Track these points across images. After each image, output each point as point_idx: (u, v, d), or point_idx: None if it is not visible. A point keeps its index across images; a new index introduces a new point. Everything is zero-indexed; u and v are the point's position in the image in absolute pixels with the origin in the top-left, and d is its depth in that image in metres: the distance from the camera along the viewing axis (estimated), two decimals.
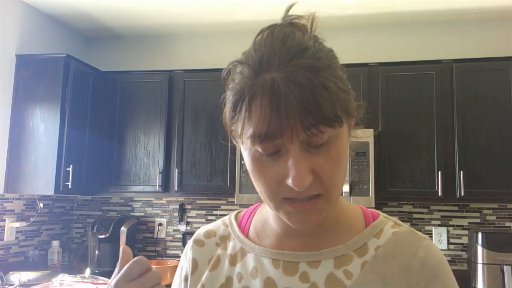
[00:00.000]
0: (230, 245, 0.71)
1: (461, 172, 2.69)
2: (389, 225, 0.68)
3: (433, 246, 0.66)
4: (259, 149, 0.56)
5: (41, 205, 3.11)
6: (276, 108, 0.52)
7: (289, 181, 0.55)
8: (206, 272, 0.70)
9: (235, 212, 0.78)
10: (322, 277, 0.63)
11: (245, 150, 0.59)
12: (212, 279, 0.69)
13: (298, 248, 0.66)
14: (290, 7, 0.64)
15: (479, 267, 2.60)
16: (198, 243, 0.74)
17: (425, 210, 3.05)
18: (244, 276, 0.67)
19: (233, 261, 0.69)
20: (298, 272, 0.64)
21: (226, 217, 0.77)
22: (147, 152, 3.13)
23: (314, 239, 0.66)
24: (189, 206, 3.39)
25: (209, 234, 0.75)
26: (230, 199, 3.27)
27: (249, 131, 0.55)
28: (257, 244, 0.69)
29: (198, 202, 3.38)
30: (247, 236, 0.71)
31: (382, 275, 0.62)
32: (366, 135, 2.72)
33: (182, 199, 3.38)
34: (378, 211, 0.72)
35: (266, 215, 0.71)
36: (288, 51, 0.55)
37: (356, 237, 0.66)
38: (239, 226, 0.73)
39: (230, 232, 0.73)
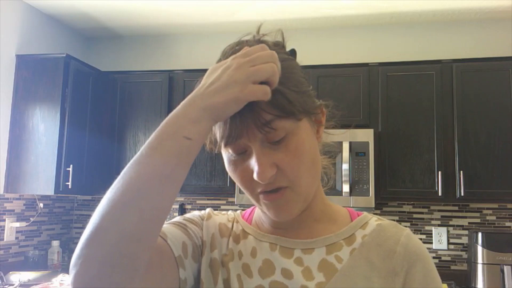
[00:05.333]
0: (235, 226, 0.77)
1: (461, 172, 2.69)
2: (373, 219, 0.75)
3: (413, 235, 0.72)
4: (230, 151, 0.64)
5: (41, 205, 3.11)
6: (232, 115, 0.60)
7: (254, 176, 0.62)
8: (217, 234, 0.74)
9: (239, 211, 0.83)
10: (315, 262, 0.69)
11: (224, 155, 0.68)
12: (221, 243, 0.74)
13: (292, 238, 0.72)
14: (259, 27, 0.71)
15: (479, 267, 2.60)
16: (213, 212, 0.80)
17: (425, 210, 3.05)
18: (244, 254, 0.72)
19: (236, 239, 0.75)
20: (293, 257, 0.70)
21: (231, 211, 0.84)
22: None
23: (305, 230, 0.73)
24: (189, 206, 3.39)
25: (221, 212, 0.82)
26: (230, 199, 3.27)
27: (217, 136, 0.65)
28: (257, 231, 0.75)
29: (198, 202, 3.37)
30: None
31: (369, 260, 0.69)
32: (366, 135, 2.72)
33: (182, 199, 3.37)
34: (364, 211, 0.78)
35: (261, 214, 0.77)
36: None
37: (345, 228, 0.73)
38: (243, 218, 0.80)
39: (236, 217, 0.80)
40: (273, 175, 0.62)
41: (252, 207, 0.81)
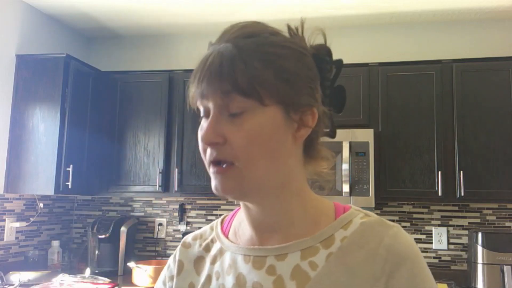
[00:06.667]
0: (213, 247, 0.75)
1: (461, 172, 2.69)
2: (359, 217, 0.68)
3: (401, 234, 0.65)
4: (200, 111, 0.66)
5: (41, 205, 3.11)
6: (203, 74, 0.63)
7: (199, 135, 0.64)
8: (194, 275, 0.74)
9: (223, 216, 0.82)
10: (288, 269, 0.65)
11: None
12: (198, 281, 0.73)
13: (268, 243, 0.68)
14: (303, 23, 0.71)
15: (479, 267, 2.60)
16: (185, 245, 0.79)
17: (425, 210, 3.05)
18: (221, 274, 0.70)
19: (213, 260, 0.73)
20: (265, 266, 0.66)
21: (214, 221, 0.81)
22: (147, 152, 3.13)
23: (281, 234, 0.68)
24: (189, 206, 3.39)
25: (195, 237, 0.80)
26: (230, 199, 3.27)
27: (190, 93, 0.66)
28: (234, 243, 0.72)
29: (198, 202, 3.38)
30: (227, 236, 0.75)
31: (347, 265, 0.63)
32: (366, 135, 2.72)
33: (182, 199, 3.38)
34: (352, 205, 0.72)
35: (242, 216, 0.74)
36: (239, 33, 0.65)
37: (324, 229, 0.67)
38: (222, 228, 0.78)
39: (214, 235, 0.77)
40: (215, 142, 0.62)
41: (233, 212, 0.80)
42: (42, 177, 2.78)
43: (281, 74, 0.63)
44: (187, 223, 3.37)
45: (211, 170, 0.65)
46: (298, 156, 0.68)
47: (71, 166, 2.84)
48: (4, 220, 2.83)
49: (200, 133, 0.65)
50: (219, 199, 3.32)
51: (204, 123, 0.65)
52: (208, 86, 0.62)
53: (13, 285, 2.56)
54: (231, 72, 0.61)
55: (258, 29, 0.66)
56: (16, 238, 2.93)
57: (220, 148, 0.63)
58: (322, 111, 0.68)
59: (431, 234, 3.01)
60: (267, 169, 0.64)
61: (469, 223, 2.99)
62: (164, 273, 0.79)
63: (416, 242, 0.73)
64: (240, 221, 0.74)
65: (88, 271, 2.79)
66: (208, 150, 0.64)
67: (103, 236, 3.06)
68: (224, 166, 0.63)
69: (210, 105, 0.63)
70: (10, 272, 2.68)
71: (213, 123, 0.63)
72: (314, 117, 0.67)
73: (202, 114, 0.66)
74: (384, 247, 0.63)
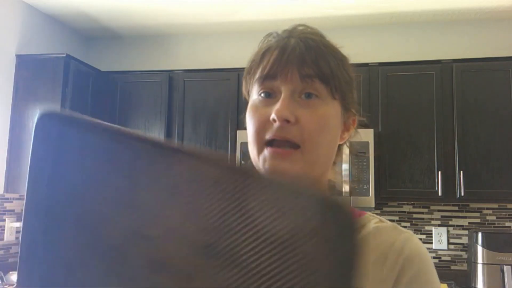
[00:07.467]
0: None
1: (461, 172, 2.69)
2: (373, 222, 0.69)
3: (412, 240, 0.66)
4: (260, 90, 0.66)
5: None
6: (281, 56, 0.65)
7: (272, 114, 0.62)
8: None
9: None
10: None
11: (250, 101, 0.69)
12: None
13: None
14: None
15: (479, 267, 2.60)
16: None
17: (425, 210, 3.05)
18: None
19: None
20: None
21: None
22: None
23: None
24: None
25: None
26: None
27: (257, 74, 0.67)
28: None
29: None
30: None
31: None
32: (366, 135, 2.72)
33: None
34: (368, 212, 0.72)
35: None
36: (308, 31, 0.68)
37: None
38: None
39: None
40: (288, 120, 0.62)
41: None
42: None
43: (345, 75, 0.67)
44: None
45: (269, 151, 0.64)
46: (333, 157, 0.71)
47: None
48: (4, 220, 2.83)
49: (256, 114, 0.65)
50: None
51: (260, 104, 0.66)
52: (285, 68, 0.64)
53: (13, 285, 2.56)
54: (315, 59, 0.64)
55: (320, 33, 0.70)
56: (16, 238, 2.93)
57: (289, 128, 0.63)
58: (359, 120, 0.73)
59: (431, 234, 3.01)
60: (323, 159, 0.67)
61: (469, 223, 2.99)
62: None
63: None
64: None
65: None
66: (272, 129, 0.63)
67: None
68: (286, 148, 0.63)
69: (282, 87, 0.64)
70: (10, 272, 2.68)
71: (287, 102, 0.63)
72: (354, 124, 0.72)
73: (258, 95, 0.66)
74: (395, 251, 0.64)
